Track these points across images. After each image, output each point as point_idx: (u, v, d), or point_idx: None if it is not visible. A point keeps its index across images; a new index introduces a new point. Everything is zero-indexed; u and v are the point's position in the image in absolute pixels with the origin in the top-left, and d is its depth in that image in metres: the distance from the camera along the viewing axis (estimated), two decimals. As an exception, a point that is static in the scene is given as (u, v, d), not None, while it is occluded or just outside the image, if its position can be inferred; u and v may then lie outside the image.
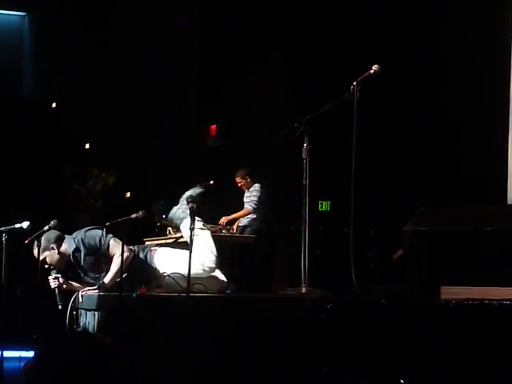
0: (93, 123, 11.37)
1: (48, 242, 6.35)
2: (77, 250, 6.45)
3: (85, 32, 11.92)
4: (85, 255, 6.47)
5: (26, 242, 6.20)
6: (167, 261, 6.72)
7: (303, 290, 5.94)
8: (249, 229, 9.71)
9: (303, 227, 6.12)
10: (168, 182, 10.60)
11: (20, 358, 7.69)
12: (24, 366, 4.83)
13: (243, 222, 9.79)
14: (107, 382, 4.39)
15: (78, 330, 6.12)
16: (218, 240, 8.93)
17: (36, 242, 6.21)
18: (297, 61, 10.78)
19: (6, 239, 6.11)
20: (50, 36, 12.34)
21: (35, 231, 6.25)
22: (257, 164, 10.57)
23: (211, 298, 6.00)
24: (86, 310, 6.34)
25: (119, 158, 11.02)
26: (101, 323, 5.51)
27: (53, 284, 6.32)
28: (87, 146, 11.46)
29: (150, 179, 11.08)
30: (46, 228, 6.20)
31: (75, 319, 6.44)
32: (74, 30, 11.98)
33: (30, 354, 8.06)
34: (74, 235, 6.53)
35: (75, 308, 6.41)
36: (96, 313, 6.09)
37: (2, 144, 10.36)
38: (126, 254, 6.25)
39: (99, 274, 6.51)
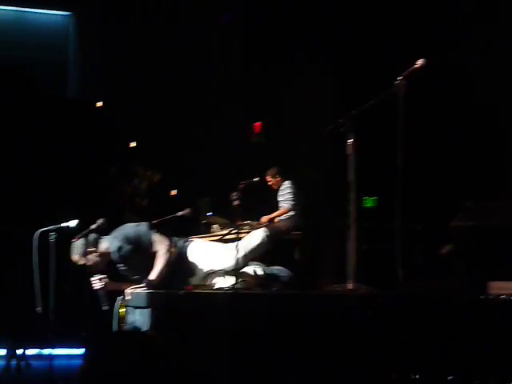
0: (138, 122, 11.42)
1: (85, 246, 6.35)
2: (118, 248, 6.43)
3: (130, 31, 11.99)
4: (126, 252, 6.43)
5: (74, 240, 6.23)
6: (201, 254, 6.67)
7: (350, 287, 5.92)
8: (289, 226, 9.70)
9: (349, 223, 6.10)
10: (213, 179, 10.63)
11: (69, 356, 7.80)
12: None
13: (283, 220, 9.78)
14: (159, 381, 4.43)
15: (128, 328, 6.14)
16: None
17: (77, 244, 6.22)
18: (341, 56, 10.75)
19: (54, 238, 6.14)
20: (95, 35, 12.42)
21: (83, 230, 6.28)
22: (301, 161, 10.56)
23: (258, 294, 5.99)
24: (135, 307, 6.37)
25: (165, 156, 11.07)
26: (153, 322, 5.51)
27: (97, 285, 6.32)
28: (133, 144, 11.51)
29: (196, 177, 11.11)
30: (94, 227, 6.21)
31: (123, 317, 6.46)
32: (118, 28, 12.05)
33: (79, 351, 8.19)
34: (114, 234, 6.50)
35: (123, 306, 6.42)
36: (144, 310, 6.12)
37: (49, 144, 10.44)
38: (171, 252, 6.24)
39: (141, 271, 6.51)
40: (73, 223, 6.23)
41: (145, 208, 10.42)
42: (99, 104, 11.72)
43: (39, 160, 10.18)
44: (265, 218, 9.63)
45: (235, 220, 5.92)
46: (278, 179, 9.86)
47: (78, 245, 6.23)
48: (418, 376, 4.87)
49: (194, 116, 11.60)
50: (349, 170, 6.05)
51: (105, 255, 6.44)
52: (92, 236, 6.33)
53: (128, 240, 6.39)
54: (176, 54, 11.77)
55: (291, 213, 9.72)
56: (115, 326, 6.38)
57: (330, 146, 9.12)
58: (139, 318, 6.18)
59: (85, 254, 6.21)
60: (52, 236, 6.12)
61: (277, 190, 9.83)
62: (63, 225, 6.21)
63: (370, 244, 9.54)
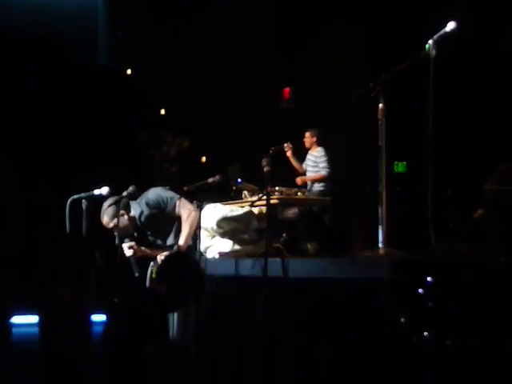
0: (168, 88, 11.42)
1: (115, 210, 6.35)
2: (140, 213, 6.44)
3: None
4: (148, 217, 6.43)
5: (106, 207, 6.26)
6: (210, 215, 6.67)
7: (382, 252, 5.89)
8: (323, 191, 9.73)
9: (380, 188, 6.06)
10: (243, 145, 10.63)
11: (102, 323, 7.88)
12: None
13: (317, 185, 9.79)
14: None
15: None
16: (294, 202, 9.03)
17: (115, 208, 6.24)
18: (370, 19, 10.64)
19: (86, 206, 6.18)
20: (125, 3, 12.42)
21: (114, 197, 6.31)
22: (330, 126, 10.52)
23: (282, 261, 5.98)
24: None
25: (194, 123, 11.07)
26: (156, 272, 5.53)
27: (128, 252, 6.34)
28: (162, 111, 11.53)
29: (225, 143, 11.12)
30: (125, 194, 6.23)
31: (152, 284, 6.51)
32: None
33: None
34: (140, 198, 6.50)
35: (155, 271, 6.46)
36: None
37: (79, 111, 10.49)
38: (194, 214, 6.23)
39: (170, 236, 6.52)
40: (104, 190, 6.26)
41: (175, 174, 10.45)
42: (129, 71, 11.75)
43: (70, 128, 10.23)
44: (300, 179, 9.65)
45: (265, 186, 5.89)
46: (314, 140, 9.90)
47: (108, 208, 6.25)
48: (451, 341, 4.86)
49: (223, 82, 11.57)
50: (379, 135, 6.00)
51: (132, 220, 6.46)
52: (123, 200, 6.36)
53: (149, 205, 6.39)
54: (206, 19, 11.72)
55: (322, 182, 9.77)
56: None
57: (359, 111, 9.09)
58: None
59: (114, 217, 6.23)
60: (84, 203, 6.15)
61: (307, 149, 9.88)
62: (95, 192, 6.23)
63: (400, 209, 9.52)
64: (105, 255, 6.86)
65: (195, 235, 6.28)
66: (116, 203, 6.16)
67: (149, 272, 6.48)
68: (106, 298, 6.34)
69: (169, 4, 11.91)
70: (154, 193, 6.50)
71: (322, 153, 9.83)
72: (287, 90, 11.59)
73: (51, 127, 10.13)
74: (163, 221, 6.44)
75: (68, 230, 6.15)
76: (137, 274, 6.34)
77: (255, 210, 6.87)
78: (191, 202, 6.34)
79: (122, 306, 5.15)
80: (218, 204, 7.03)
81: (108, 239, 6.38)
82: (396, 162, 10.64)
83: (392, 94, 6.08)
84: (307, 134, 9.96)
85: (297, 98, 11.55)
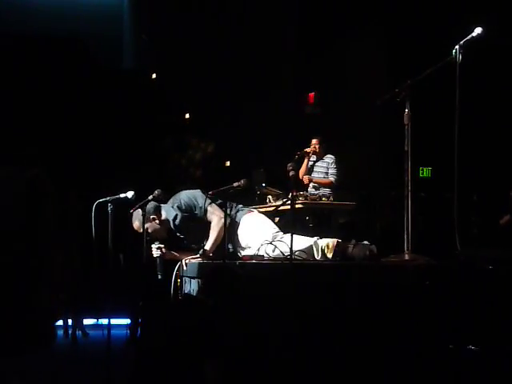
0: (192, 93, 11.45)
1: (148, 213, 6.40)
2: (174, 216, 6.48)
3: (183, 2, 12.00)
4: (182, 219, 6.46)
5: (131, 211, 6.28)
6: (255, 226, 6.66)
7: (407, 257, 5.88)
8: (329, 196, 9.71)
9: (405, 193, 6.05)
10: (267, 149, 10.64)
11: (126, 326, 7.90)
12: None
13: (324, 190, 9.77)
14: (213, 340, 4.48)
15: (181, 295, 6.19)
16: (317, 207, 9.03)
17: (139, 212, 6.26)
18: (395, 24, 10.63)
19: (111, 209, 6.19)
20: (150, 7, 12.46)
21: (140, 201, 6.32)
22: (355, 130, 10.52)
23: (314, 264, 5.99)
24: (190, 277, 6.41)
25: (219, 127, 11.09)
26: (202, 285, 5.55)
27: (155, 253, 6.37)
28: (187, 115, 11.55)
29: (250, 147, 11.13)
30: (150, 197, 6.24)
31: (180, 287, 6.52)
32: (172, 1, 12.08)
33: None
34: (171, 201, 6.54)
35: (180, 276, 6.47)
36: (200, 280, 6.15)
37: (104, 115, 10.53)
38: (223, 221, 6.25)
39: (198, 240, 6.54)
40: (130, 194, 6.27)
41: (199, 178, 10.47)
42: (154, 75, 11.79)
43: (96, 132, 10.28)
44: (307, 179, 9.62)
45: (291, 190, 5.89)
46: (321, 147, 9.87)
47: (139, 212, 6.28)
48: (475, 347, 4.85)
49: (249, 86, 11.58)
50: (405, 140, 6.00)
51: (164, 223, 6.49)
52: (152, 204, 6.39)
53: (182, 208, 6.44)
54: (231, 24, 11.75)
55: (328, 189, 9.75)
56: (171, 296, 6.44)
57: (384, 116, 9.08)
58: (195, 288, 6.23)
59: (145, 221, 6.26)
60: (109, 206, 6.17)
61: (317, 155, 9.86)
62: (120, 195, 6.25)
63: (425, 214, 9.50)
64: (130, 258, 6.88)
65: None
66: (142, 207, 6.18)
67: (173, 276, 6.49)
68: (130, 300, 6.38)
69: (194, 7, 11.94)
70: (186, 196, 6.53)
71: (334, 159, 9.78)
72: (312, 94, 11.58)
73: (77, 131, 10.18)
74: (196, 225, 6.47)
75: (93, 234, 6.17)
76: (160, 277, 6.37)
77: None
78: (222, 204, 6.36)
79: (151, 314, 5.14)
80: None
81: (133, 242, 6.40)
82: (421, 168, 10.63)
83: (417, 99, 6.09)
84: (315, 141, 9.88)
85: (321, 102, 11.54)
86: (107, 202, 6.13)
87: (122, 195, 6.22)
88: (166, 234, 6.55)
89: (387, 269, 5.61)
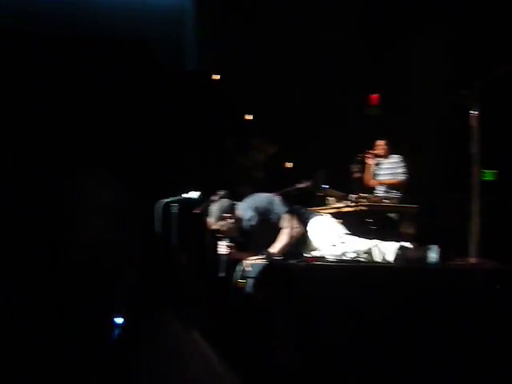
0: (255, 94, 11.46)
1: (222, 211, 6.45)
2: (250, 217, 6.51)
3: (247, 3, 12.04)
4: (256, 223, 6.50)
5: (197, 211, 6.33)
6: (323, 228, 6.67)
7: (473, 261, 5.83)
8: (399, 198, 9.66)
9: (472, 196, 6.00)
10: (329, 151, 10.60)
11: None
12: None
13: (393, 193, 9.72)
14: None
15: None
16: (380, 210, 8.98)
17: (207, 212, 6.31)
18: (462, 24, 10.50)
19: (177, 209, 6.25)
20: (213, 7, 12.52)
21: (205, 201, 6.37)
22: (419, 132, 10.44)
23: (380, 267, 5.96)
24: (254, 278, 6.43)
25: (281, 128, 11.09)
26: (254, 282, 5.57)
27: (223, 251, 6.40)
28: (249, 117, 11.57)
29: (311, 149, 11.11)
30: (216, 198, 6.29)
31: (242, 288, 6.54)
32: (235, 2, 12.11)
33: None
34: (248, 202, 6.57)
35: (242, 276, 6.49)
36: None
37: (168, 116, 10.60)
38: (297, 230, 6.27)
39: (265, 242, 6.56)
40: (195, 194, 6.33)
41: (261, 180, 10.48)
42: (216, 77, 11.83)
43: (159, 132, 10.36)
44: (375, 182, 9.59)
45: (355, 192, 5.89)
46: (389, 150, 9.85)
47: (214, 209, 6.33)
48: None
49: (310, 87, 11.57)
50: (472, 142, 5.94)
51: (237, 222, 6.52)
52: (228, 202, 6.44)
53: (260, 211, 6.46)
54: (294, 25, 11.75)
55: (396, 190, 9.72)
56: (233, 295, 6.47)
57: (448, 118, 8.99)
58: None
59: (220, 218, 6.31)
60: (175, 207, 6.23)
61: (383, 157, 9.82)
62: (185, 196, 6.31)
63: (489, 218, 9.38)
64: (194, 258, 6.91)
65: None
66: (206, 207, 6.23)
67: (234, 275, 6.52)
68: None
69: (257, 9, 11.97)
70: (263, 200, 6.55)
71: (400, 159, 9.75)
72: (375, 96, 11.53)
73: (141, 132, 10.26)
74: (266, 228, 6.50)
75: (160, 234, 6.24)
76: (221, 275, 6.40)
77: None
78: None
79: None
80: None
81: (198, 241, 6.45)
82: (484, 170, 10.49)
83: (485, 101, 6.02)
84: (382, 143, 9.88)
85: (384, 104, 11.48)
86: (174, 201, 6.21)
87: (188, 195, 6.29)
88: (237, 233, 6.58)
89: (454, 272, 5.56)
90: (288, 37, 11.70)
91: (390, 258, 6.41)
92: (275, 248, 6.37)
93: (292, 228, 6.31)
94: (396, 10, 11.16)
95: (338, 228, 6.70)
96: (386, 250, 6.48)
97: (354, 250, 6.35)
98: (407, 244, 6.67)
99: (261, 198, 6.60)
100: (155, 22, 12.80)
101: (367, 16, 11.74)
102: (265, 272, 4.96)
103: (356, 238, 6.62)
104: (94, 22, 12.53)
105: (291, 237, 6.30)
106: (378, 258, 6.43)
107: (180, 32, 13.08)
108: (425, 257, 6.37)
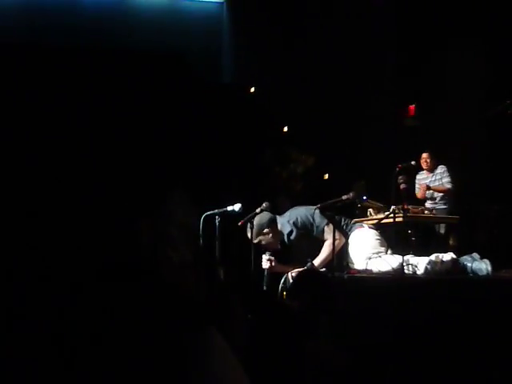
0: (291, 106, 11.47)
1: (261, 225, 6.46)
2: (289, 231, 6.52)
3: (282, 17, 12.06)
4: (297, 236, 6.51)
5: (240, 224, 6.33)
6: (364, 241, 6.65)
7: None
8: (446, 209, 9.62)
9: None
10: (367, 162, 10.58)
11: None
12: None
13: (440, 204, 9.68)
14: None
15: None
16: (419, 221, 8.92)
17: (249, 225, 6.32)
18: (501, 33, 10.43)
19: (218, 221, 6.26)
20: (249, 21, 12.55)
21: (247, 213, 6.38)
22: (459, 143, 10.40)
23: (424, 279, 5.94)
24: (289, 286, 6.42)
25: (318, 140, 11.08)
26: (289, 289, 5.56)
27: (265, 264, 6.42)
28: (285, 128, 11.57)
29: (349, 160, 11.09)
30: (258, 210, 6.30)
31: (284, 300, 6.53)
32: (271, 14, 12.13)
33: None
34: (288, 216, 6.58)
35: (284, 288, 6.49)
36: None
37: (208, 128, 10.63)
38: (338, 242, 6.26)
39: (307, 255, 6.56)
40: (237, 207, 6.34)
41: (299, 192, 10.48)
42: (252, 89, 11.85)
43: (197, 145, 10.38)
44: (425, 189, 9.55)
45: (402, 203, 5.86)
46: (434, 162, 9.82)
47: (255, 223, 6.35)
48: None
49: (347, 98, 11.55)
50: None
51: (278, 236, 6.54)
52: (268, 216, 6.45)
53: (298, 225, 6.47)
54: (328, 37, 11.75)
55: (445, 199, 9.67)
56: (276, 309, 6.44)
57: (489, 128, 8.94)
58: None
59: (260, 232, 6.34)
60: (217, 219, 6.24)
61: (429, 171, 9.79)
62: (228, 208, 6.32)
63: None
64: (234, 271, 6.89)
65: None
66: (249, 220, 6.23)
67: (280, 288, 6.51)
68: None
69: (294, 19, 11.98)
70: (304, 214, 6.56)
71: (445, 169, 9.74)
72: (412, 107, 11.50)
73: (180, 146, 10.29)
74: (310, 242, 6.50)
75: (202, 246, 6.23)
76: (265, 288, 6.39)
77: None
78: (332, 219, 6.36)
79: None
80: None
81: (240, 254, 6.45)
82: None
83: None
84: (427, 156, 9.86)
85: (422, 114, 11.44)
86: (215, 214, 6.22)
87: (230, 208, 6.30)
88: (278, 246, 6.60)
89: (501, 284, 5.54)
90: (325, 48, 11.69)
91: (420, 271, 6.35)
92: (318, 260, 6.36)
93: (334, 240, 6.31)
94: (431, 21, 11.13)
95: (375, 242, 6.68)
96: (416, 265, 6.43)
97: (387, 265, 6.30)
98: (437, 256, 6.60)
99: (300, 212, 6.61)
100: (191, 35, 12.83)
101: (405, 28, 11.70)
102: (301, 281, 4.94)
103: (389, 254, 6.59)
104: (129, 35, 12.60)
105: (333, 249, 6.29)
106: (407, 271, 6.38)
107: (216, 44, 13.11)
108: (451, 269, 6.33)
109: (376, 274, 6.32)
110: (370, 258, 6.53)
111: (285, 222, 6.55)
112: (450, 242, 9.34)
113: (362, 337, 5.49)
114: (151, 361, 1.75)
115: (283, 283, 6.45)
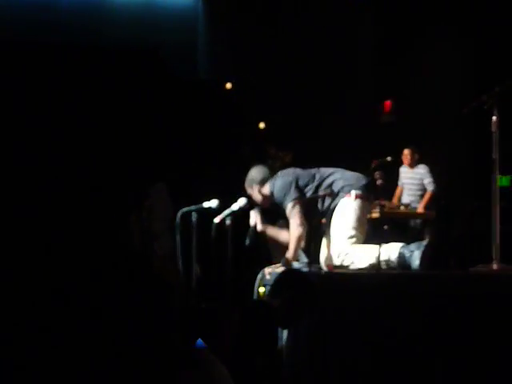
0: (267, 102, 11.45)
1: (252, 180, 6.48)
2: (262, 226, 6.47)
3: (258, 12, 12.03)
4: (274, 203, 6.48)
5: (217, 220, 6.29)
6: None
7: (495, 267, 5.82)
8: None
9: (493, 203, 5.99)
10: (343, 158, 10.57)
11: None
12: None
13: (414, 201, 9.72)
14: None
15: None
16: (396, 217, 8.96)
17: (226, 221, 6.28)
18: (476, 28, 10.44)
19: (195, 218, 6.24)
20: (224, 17, 12.50)
21: (224, 210, 6.35)
22: (433, 139, 10.42)
23: (401, 274, 5.93)
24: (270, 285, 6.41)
25: (295, 137, 11.07)
26: (269, 288, 5.55)
27: (251, 221, 6.37)
28: (262, 125, 11.55)
29: (324, 156, 11.07)
30: (236, 207, 6.28)
31: (263, 295, 6.51)
32: (247, 9, 12.10)
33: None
34: (279, 176, 6.53)
35: (263, 285, 6.48)
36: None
37: (181, 125, 10.59)
38: (297, 230, 6.17)
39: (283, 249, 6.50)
40: (214, 203, 6.31)
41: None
42: (228, 85, 11.82)
43: (174, 142, 10.34)
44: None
45: (379, 200, 5.86)
46: (416, 158, 9.84)
47: (249, 175, 6.38)
48: None
49: (323, 94, 11.54)
50: (493, 148, 5.93)
51: (264, 197, 6.51)
52: (261, 175, 6.44)
53: (274, 191, 6.42)
54: (304, 32, 11.73)
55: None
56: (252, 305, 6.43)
57: (466, 124, 8.96)
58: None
59: (249, 186, 6.37)
60: (194, 216, 6.21)
61: (410, 166, 9.81)
62: (205, 205, 6.29)
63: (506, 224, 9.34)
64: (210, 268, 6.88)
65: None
66: (227, 217, 6.21)
67: (256, 284, 6.49)
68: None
69: (271, 16, 11.95)
70: (281, 183, 6.44)
71: (427, 169, 9.76)
72: (388, 102, 11.51)
73: (156, 142, 10.25)
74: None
75: (178, 243, 6.22)
76: (247, 243, 6.33)
77: None
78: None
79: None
80: None
81: (219, 250, 6.40)
82: (500, 176, 10.45)
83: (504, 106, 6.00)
84: (408, 152, 9.87)
85: (398, 111, 11.45)
86: (191, 211, 6.19)
87: (207, 204, 6.27)
88: (269, 205, 6.52)
89: (478, 279, 5.55)
90: (301, 43, 11.67)
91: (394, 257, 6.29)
92: (290, 253, 6.28)
93: (297, 226, 6.21)
94: (409, 13, 11.12)
95: (358, 214, 6.60)
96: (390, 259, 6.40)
97: (358, 258, 6.27)
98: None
99: (278, 180, 6.52)
100: (166, 31, 12.74)
101: (381, 24, 11.71)
102: (281, 279, 4.92)
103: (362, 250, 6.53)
104: (103, 31, 12.50)
105: (298, 236, 6.21)
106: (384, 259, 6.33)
107: (192, 40, 13.04)
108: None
109: (353, 270, 6.29)
110: (351, 237, 6.40)
111: (271, 185, 6.46)
112: (426, 238, 9.36)
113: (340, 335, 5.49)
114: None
115: (260, 279, 6.43)
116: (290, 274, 5.11)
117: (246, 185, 6.52)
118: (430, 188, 9.64)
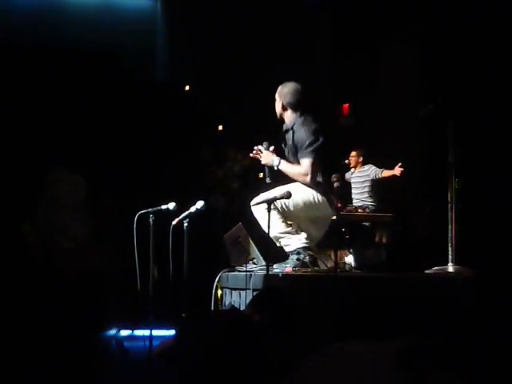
0: (226, 104, 11.44)
1: (282, 94, 7.19)
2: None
3: (216, 14, 12.03)
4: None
5: (175, 223, 6.28)
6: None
7: (451, 269, 5.87)
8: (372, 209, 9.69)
9: (449, 205, 6.05)
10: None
11: (166, 337, 7.90)
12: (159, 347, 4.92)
13: (368, 202, 9.74)
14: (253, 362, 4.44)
15: (225, 307, 6.18)
16: (354, 219, 8.98)
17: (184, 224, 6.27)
18: (433, 32, 10.51)
19: (152, 220, 6.21)
20: (183, 19, 12.48)
21: (181, 212, 6.33)
22: (390, 142, 10.48)
23: (359, 277, 5.97)
24: (232, 289, 6.41)
25: (254, 139, 11.07)
26: (252, 300, 5.55)
27: (254, 152, 7.11)
28: (221, 127, 11.55)
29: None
30: (193, 210, 6.26)
31: (220, 299, 6.52)
32: (205, 12, 12.09)
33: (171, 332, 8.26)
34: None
35: (220, 287, 6.48)
36: (241, 292, 6.15)
37: (139, 128, 10.55)
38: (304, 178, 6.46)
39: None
40: (171, 205, 6.28)
41: (236, 191, 10.47)
42: (187, 87, 11.80)
43: (132, 144, 10.31)
44: (387, 172, 9.58)
45: (336, 202, 5.88)
46: (360, 160, 9.87)
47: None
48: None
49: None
50: (449, 151, 6.00)
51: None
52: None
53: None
54: (263, 33, 11.74)
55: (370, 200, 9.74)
56: (213, 306, 6.44)
57: (421, 127, 9.02)
58: (236, 300, 6.22)
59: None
60: (151, 218, 6.18)
61: (356, 168, 9.85)
62: (162, 207, 6.26)
63: (462, 225, 9.42)
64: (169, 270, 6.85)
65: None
66: (184, 218, 6.20)
67: (214, 287, 6.50)
68: (173, 313, 6.37)
69: (227, 21, 11.95)
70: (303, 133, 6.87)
71: (371, 165, 9.78)
72: (346, 106, 11.56)
73: (114, 144, 10.20)
74: None
75: (135, 246, 6.18)
76: (268, 181, 6.93)
77: None
78: None
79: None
80: None
81: (176, 254, 6.39)
82: (457, 179, 10.55)
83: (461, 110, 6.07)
84: (354, 153, 9.93)
85: (356, 113, 11.50)
86: (149, 213, 6.16)
87: (164, 206, 6.25)
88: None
89: (433, 280, 5.59)
90: (258, 45, 11.69)
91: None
92: (284, 167, 6.70)
93: (304, 175, 6.54)
94: (366, 16, 11.18)
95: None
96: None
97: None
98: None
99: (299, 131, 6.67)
100: (125, 33, 12.68)
101: (339, 26, 11.75)
102: (264, 297, 4.91)
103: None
104: (61, 33, 12.41)
105: (297, 178, 6.56)
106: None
107: (151, 43, 13.00)
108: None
109: (314, 271, 6.31)
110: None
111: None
112: (383, 240, 9.40)
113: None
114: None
115: (217, 281, 6.45)
116: (272, 293, 5.10)
117: (277, 92, 7.12)
118: (381, 171, 9.66)
